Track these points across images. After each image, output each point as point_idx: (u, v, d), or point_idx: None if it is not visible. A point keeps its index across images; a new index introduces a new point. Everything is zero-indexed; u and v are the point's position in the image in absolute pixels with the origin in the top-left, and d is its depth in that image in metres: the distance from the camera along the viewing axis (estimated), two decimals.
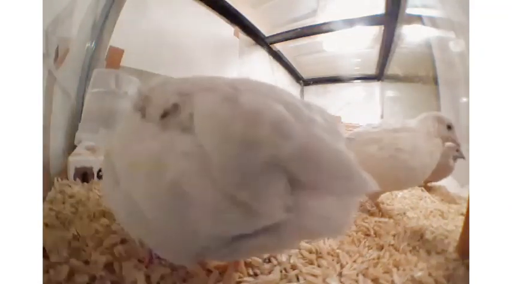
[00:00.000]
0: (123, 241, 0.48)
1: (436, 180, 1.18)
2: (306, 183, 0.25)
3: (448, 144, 0.85)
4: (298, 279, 0.44)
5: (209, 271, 0.42)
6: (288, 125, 0.24)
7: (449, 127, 0.76)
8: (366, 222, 0.70)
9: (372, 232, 0.63)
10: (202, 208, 0.24)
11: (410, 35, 2.06)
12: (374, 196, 0.79)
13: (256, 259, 0.47)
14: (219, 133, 0.24)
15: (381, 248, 0.56)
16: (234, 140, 0.23)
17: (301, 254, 0.50)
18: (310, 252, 0.51)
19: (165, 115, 0.29)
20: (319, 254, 0.51)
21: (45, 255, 0.41)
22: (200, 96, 0.27)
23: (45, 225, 0.53)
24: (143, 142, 0.28)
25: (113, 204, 0.36)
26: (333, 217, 0.28)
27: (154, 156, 0.26)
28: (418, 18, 1.71)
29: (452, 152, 1.10)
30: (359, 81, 3.44)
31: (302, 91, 3.85)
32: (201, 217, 0.24)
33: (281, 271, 0.45)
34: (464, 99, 1.29)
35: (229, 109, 0.24)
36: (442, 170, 1.11)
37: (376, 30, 2.30)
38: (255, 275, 0.44)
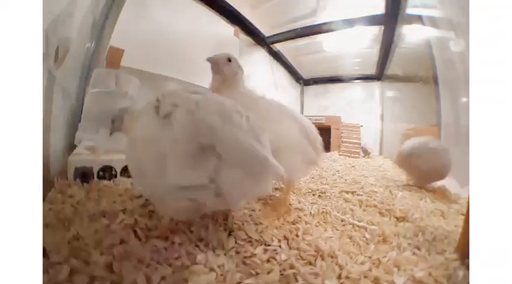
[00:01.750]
0: (122, 241, 0.49)
1: (437, 180, 1.20)
2: (228, 163, 0.43)
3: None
4: (296, 279, 0.44)
5: None
6: (217, 129, 0.43)
7: None
8: (366, 222, 0.70)
9: (372, 232, 0.63)
10: (171, 166, 0.43)
11: (410, 35, 2.05)
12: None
13: (256, 260, 0.47)
14: (183, 132, 0.43)
15: (382, 248, 0.56)
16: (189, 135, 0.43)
17: (300, 256, 0.50)
18: (310, 253, 0.51)
19: (165, 116, 0.47)
20: (318, 255, 0.51)
21: (45, 255, 0.41)
22: (178, 110, 0.46)
23: (45, 225, 0.53)
24: (152, 128, 0.47)
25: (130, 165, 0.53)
26: (244, 188, 0.45)
27: (154, 136, 0.46)
28: (418, 18, 1.70)
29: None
30: (359, 81, 3.44)
31: (302, 91, 3.86)
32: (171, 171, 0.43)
33: (280, 271, 0.45)
34: (464, 99, 1.29)
35: (190, 119, 0.44)
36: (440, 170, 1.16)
37: (376, 30, 2.30)
38: (256, 274, 0.44)
